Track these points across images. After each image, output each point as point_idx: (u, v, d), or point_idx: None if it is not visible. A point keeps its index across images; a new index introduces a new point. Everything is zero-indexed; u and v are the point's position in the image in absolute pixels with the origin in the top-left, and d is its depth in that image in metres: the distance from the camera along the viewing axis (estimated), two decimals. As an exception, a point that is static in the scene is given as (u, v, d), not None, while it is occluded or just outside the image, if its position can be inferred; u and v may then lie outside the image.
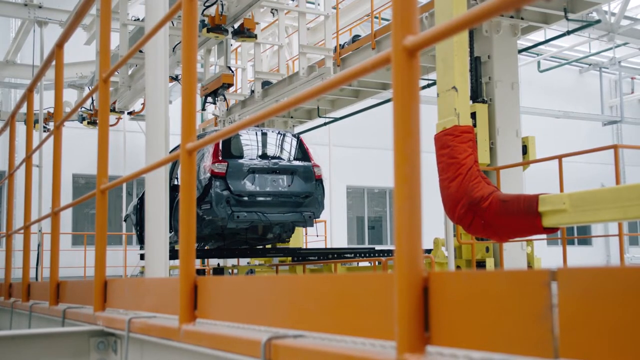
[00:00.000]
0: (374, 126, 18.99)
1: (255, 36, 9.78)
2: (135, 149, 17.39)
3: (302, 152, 9.56)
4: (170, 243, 5.93)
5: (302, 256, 10.90)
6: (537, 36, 16.08)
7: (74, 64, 13.82)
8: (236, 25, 9.57)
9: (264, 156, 9.23)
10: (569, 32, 10.68)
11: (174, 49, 9.88)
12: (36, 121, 12.27)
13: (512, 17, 8.36)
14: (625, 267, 1.03)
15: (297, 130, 14.01)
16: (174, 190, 8.38)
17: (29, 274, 5.28)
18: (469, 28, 1.45)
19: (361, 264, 11.49)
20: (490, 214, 5.22)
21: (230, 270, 11.67)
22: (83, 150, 16.30)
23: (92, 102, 13.24)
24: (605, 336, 1.04)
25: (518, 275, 1.19)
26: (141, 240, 10.32)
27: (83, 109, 13.37)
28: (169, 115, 5.29)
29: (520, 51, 11.30)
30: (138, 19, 11.04)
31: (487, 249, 7.98)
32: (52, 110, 13.41)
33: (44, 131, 13.31)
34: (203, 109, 14.19)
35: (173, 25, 9.37)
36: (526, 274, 1.18)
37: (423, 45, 1.32)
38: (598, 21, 11.40)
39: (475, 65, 8.13)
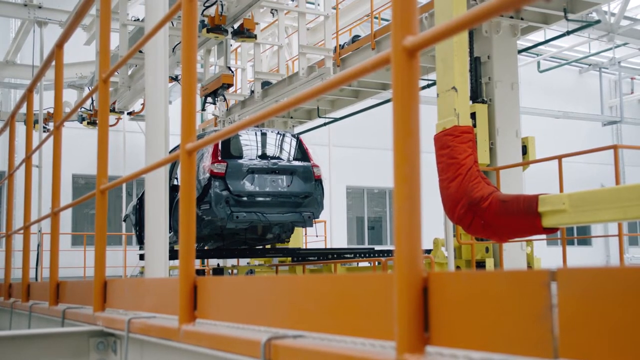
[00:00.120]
0: (374, 126, 18.99)
1: (255, 36, 9.77)
2: (135, 149, 17.38)
3: (302, 152, 9.55)
4: (169, 243, 5.92)
5: (301, 256, 10.89)
6: (537, 36, 16.08)
7: (73, 64, 13.81)
8: (236, 26, 9.56)
9: (263, 156, 9.23)
10: (568, 33, 10.68)
11: (173, 49, 9.87)
12: (36, 121, 12.26)
13: (512, 17, 8.36)
14: (625, 267, 1.03)
15: (297, 130, 14.00)
16: (173, 190, 8.37)
17: (28, 274, 5.28)
18: (469, 28, 1.45)
19: (361, 264, 11.49)
20: (490, 214, 5.22)
21: (230, 271, 11.67)
22: (83, 151, 16.30)
23: (92, 103, 13.22)
24: (605, 336, 1.04)
25: (518, 275, 1.19)
26: (141, 241, 10.31)
27: (83, 109, 13.34)
28: (168, 115, 5.29)
29: (520, 51, 11.29)
30: (138, 19, 11.03)
31: (487, 250, 7.98)
32: (51, 111, 13.38)
33: (44, 131, 13.29)
34: (203, 109, 14.17)
35: (173, 25, 9.36)
36: (526, 274, 1.18)
37: (423, 45, 1.32)
38: (598, 21, 11.41)
39: (475, 65, 8.13)
